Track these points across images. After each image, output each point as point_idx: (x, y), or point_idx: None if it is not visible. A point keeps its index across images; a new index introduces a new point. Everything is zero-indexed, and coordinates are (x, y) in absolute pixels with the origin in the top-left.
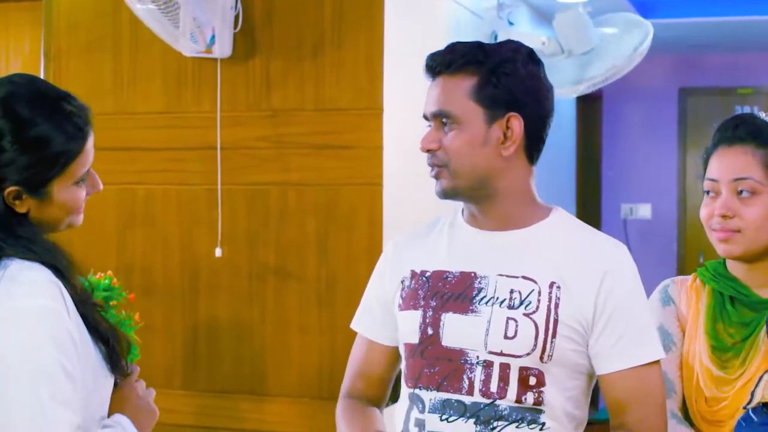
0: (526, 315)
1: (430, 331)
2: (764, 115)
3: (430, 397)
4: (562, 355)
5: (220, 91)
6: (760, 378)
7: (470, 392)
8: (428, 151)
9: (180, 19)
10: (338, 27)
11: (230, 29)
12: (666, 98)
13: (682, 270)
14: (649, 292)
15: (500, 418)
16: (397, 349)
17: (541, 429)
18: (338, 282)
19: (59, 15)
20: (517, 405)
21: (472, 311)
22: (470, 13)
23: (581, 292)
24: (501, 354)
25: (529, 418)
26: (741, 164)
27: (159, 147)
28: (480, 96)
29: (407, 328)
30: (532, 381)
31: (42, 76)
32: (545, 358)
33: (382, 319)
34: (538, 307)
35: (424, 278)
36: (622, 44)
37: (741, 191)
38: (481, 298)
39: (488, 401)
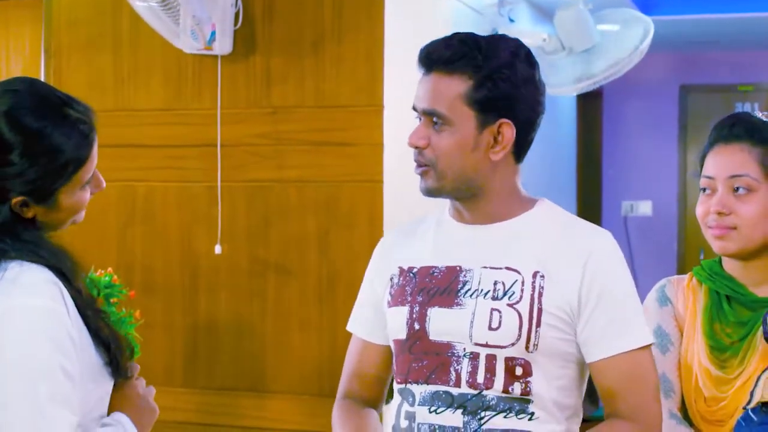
0: (510, 305)
1: (416, 327)
2: (760, 113)
3: (419, 390)
4: (548, 344)
5: (220, 88)
6: (759, 378)
7: (457, 384)
8: (416, 147)
9: (180, 16)
10: (338, 23)
11: (230, 26)
12: (667, 95)
13: (682, 267)
14: (648, 289)
15: (487, 408)
16: (390, 347)
17: (530, 419)
18: (339, 279)
19: (59, 12)
20: (504, 395)
21: (457, 304)
22: (471, 9)
23: (565, 279)
24: (486, 345)
25: (518, 407)
26: (737, 162)
27: (159, 144)
28: (474, 100)
29: (395, 324)
30: (519, 371)
31: (42, 73)
32: (531, 347)
33: (374, 318)
34: (521, 297)
35: (411, 274)
36: (623, 42)
37: (737, 188)
38: (466, 291)
39: (475, 392)
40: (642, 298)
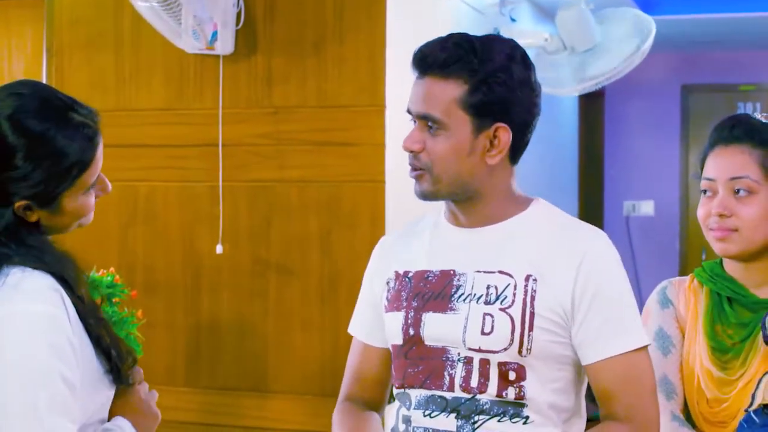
0: (502, 310)
1: (411, 332)
2: (760, 115)
3: (415, 394)
4: (542, 348)
5: (222, 87)
6: (760, 380)
7: (451, 388)
8: (411, 151)
9: (182, 16)
10: (340, 23)
11: (232, 26)
12: (668, 95)
13: (684, 267)
14: (650, 289)
15: (481, 412)
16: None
17: (524, 422)
18: (340, 279)
19: (61, 12)
20: (498, 399)
21: (451, 309)
22: (472, 9)
23: (558, 282)
24: (479, 350)
25: (512, 411)
26: (738, 163)
27: (161, 144)
28: (469, 105)
29: (392, 329)
30: (512, 376)
31: (44, 73)
32: (524, 351)
33: (373, 321)
34: (513, 301)
35: (407, 279)
36: (625, 42)
37: (738, 190)
38: (459, 296)
39: (468, 396)
40: (644, 298)
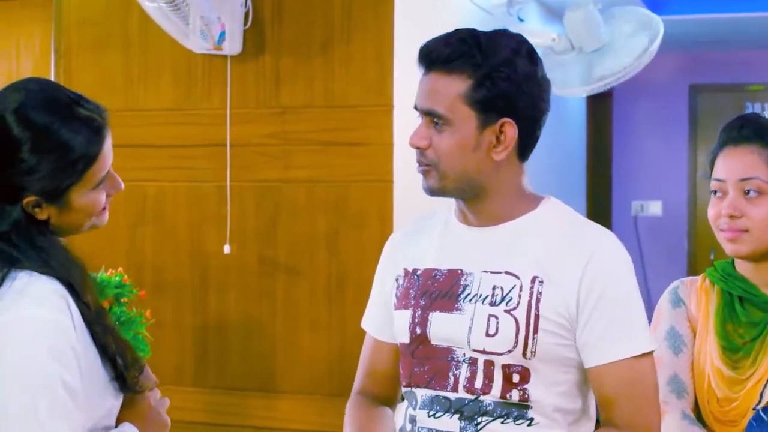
0: (507, 311)
1: (418, 331)
2: None
3: (421, 394)
4: (546, 351)
5: (229, 88)
6: None
7: (455, 389)
8: (417, 148)
9: (190, 17)
10: (348, 23)
11: (240, 26)
12: (676, 95)
13: (692, 266)
14: (659, 289)
15: (484, 413)
16: None
17: (529, 424)
18: (348, 279)
19: (69, 12)
20: (502, 401)
21: (457, 309)
22: (480, 9)
23: (564, 284)
24: (484, 352)
25: (516, 413)
26: (747, 164)
27: (168, 144)
28: (473, 100)
29: (400, 328)
30: (516, 378)
31: (52, 73)
32: (528, 354)
33: (384, 317)
34: (518, 303)
35: (415, 276)
36: (633, 42)
37: (748, 191)
38: (466, 296)
39: (472, 397)
40: (653, 298)
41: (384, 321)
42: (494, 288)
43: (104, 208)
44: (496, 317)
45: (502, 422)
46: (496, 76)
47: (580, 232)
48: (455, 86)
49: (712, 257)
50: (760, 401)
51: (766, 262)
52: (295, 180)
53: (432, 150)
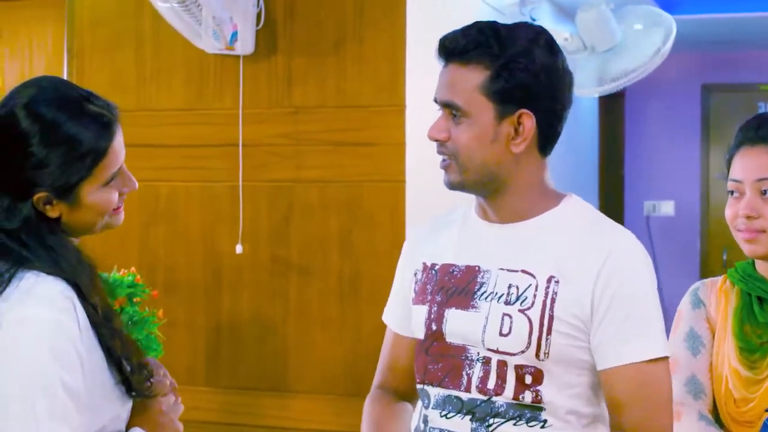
0: (521, 311)
1: (434, 327)
2: None
3: (434, 393)
4: (560, 352)
5: (242, 88)
6: None
7: (468, 389)
8: (436, 140)
9: (202, 17)
10: (360, 23)
11: (252, 26)
12: (689, 95)
13: (705, 267)
14: (671, 289)
15: (497, 415)
16: None
17: (542, 426)
18: (361, 279)
19: (82, 12)
20: (514, 402)
21: (473, 307)
22: (492, 8)
23: (580, 283)
24: (497, 351)
25: (529, 415)
26: (764, 164)
27: (181, 144)
28: (491, 91)
29: (416, 323)
30: (528, 379)
31: (65, 73)
32: (541, 355)
33: (404, 311)
34: (533, 303)
35: (433, 272)
36: (645, 42)
37: (765, 191)
38: (482, 293)
39: (484, 398)
40: (665, 298)
41: (404, 315)
42: (510, 286)
43: (118, 208)
44: (510, 317)
45: (515, 424)
46: (513, 66)
47: (599, 231)
48: (473, 77)
49: (724, 257)
50: None
51: None
52: (308, 180)
53: (451, 142)
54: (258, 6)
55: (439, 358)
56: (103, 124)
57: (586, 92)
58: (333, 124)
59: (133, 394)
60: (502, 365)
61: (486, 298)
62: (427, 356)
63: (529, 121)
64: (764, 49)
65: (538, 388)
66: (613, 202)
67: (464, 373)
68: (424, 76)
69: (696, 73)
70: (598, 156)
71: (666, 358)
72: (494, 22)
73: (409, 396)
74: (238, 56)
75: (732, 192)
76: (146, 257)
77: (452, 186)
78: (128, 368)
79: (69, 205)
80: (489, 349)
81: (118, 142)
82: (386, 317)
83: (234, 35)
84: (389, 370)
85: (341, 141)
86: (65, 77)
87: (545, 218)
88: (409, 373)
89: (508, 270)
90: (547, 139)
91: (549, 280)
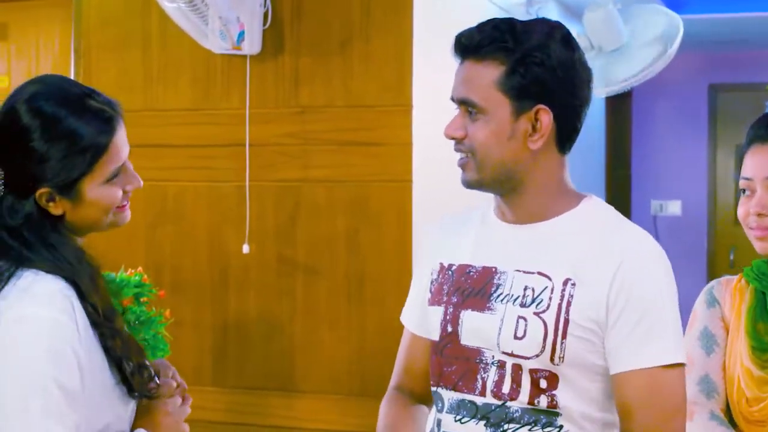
0: (536, 314)
1: (449, 329)
2: None
3: (448, 396)
4: (575, 356)
5: (249, 87)
6: None
7: (482, 393)
8: (452, 138)
9: (209, 17)
10: (366, 23)
11: (259, 26)
12: (696, 95)
13: (712, 266)
14: (678, 289)
15: (511, 420)
16: None
17: None
18: (368, 279)
19: (89, 12)
20: (530, 407)
21: (489, 309)
22: (499, 8)
23: (595, 286)
24: (512, 355)
25: (544, 420)
26: None
27: (188, 144)
28: (507, 87)
29: (432, 324)
30: (543, 384)
31: (72, 73)
32: (556, 359)
33: (421, 311)
34: (548, 306)
35: (450, 272)
36: (652, 41)
37: None
38: (498, 295)
39: (499, 403)
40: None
41: (422, 317)
42: (525, 288)
43: (123, 207)
44: (525, 319)
45: (530, 429)
46: (529, 61)
47: (617, 233)
48: (488, 73)
49: (731, 257)
50: None
51: None
52: (315, 180)
53: (468, 140)
54: (265, 6)
55: (453, 360)
56: (105, 119)
57: (595, 92)
58: (340, 123)
59: (135, 394)
60: (517, 369)
61: (502, 300)
62: (441, 358)
63: (546, 117)
64: None
65: (554, 392)
66: (620, 202)
67: (479, 376)
68: (431, 75)
69: (703, 72)
70: (605, 156)
71: (681, 364)
72: (510, 19)
73: (426, 398)
74: (245, 56)
75: (744, 190)
76: (153, 257)
77: (469, 185)
78: (128, 368)
79: (71, 202)
80: (504, 353)
81: (120, 138)
82: (404, 318)
83: (241, 35)
84: (406, 371)
85: (348, 141)
86: (72, 77)
87: (564, 219)
88: (426, 374)
89: (524, 272)
90: (565, 135)
91: (565, 283)
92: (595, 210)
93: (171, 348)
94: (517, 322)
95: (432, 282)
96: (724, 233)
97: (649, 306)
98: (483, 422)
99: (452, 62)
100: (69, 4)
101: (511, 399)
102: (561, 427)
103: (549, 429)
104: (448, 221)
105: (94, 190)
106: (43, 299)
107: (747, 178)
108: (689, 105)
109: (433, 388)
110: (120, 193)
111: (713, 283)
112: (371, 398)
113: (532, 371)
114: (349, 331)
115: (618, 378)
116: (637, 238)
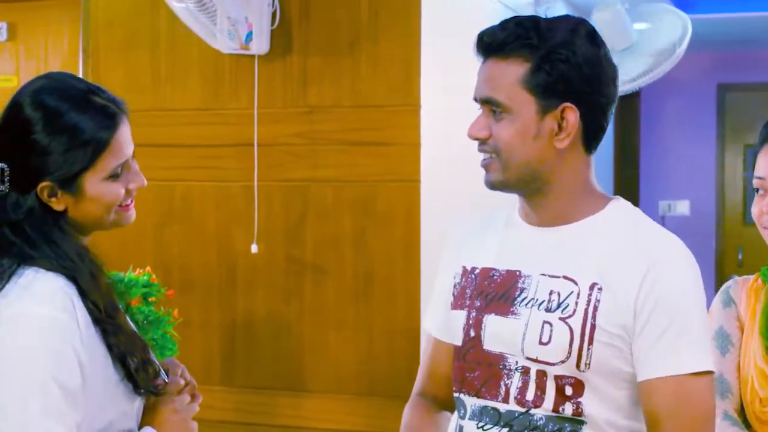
0: (562, 319)
1: (472, 333)
2: None
3: (470, 403)
4: (602, 363)
5: (257, 87)
6: None
7: (506, 400)
8: (476, 139)
9: (217, 17)
10: (375, 23)
11: (267, 26)
12: (704, 94)
13: (720, 266)
14: None
15: (535, 428)
16: None
17: None
18: (375, 278)
19: (98, 12)
20: (554, 415)
21: (513, 313)
22: (507, 8)
23: (623, 292)
24: (537, 361)
25: (569, 428)
26: None
27: (196, 144)
28: (532, 85)
29: (454, 329)
30: (569, 391)
31: (80, 73)
32: (582, 366)
33: (444, 315)
34: (575, 311)
35: (473, 276)
36: (661, 41)
37: None
38: (522, 300)
39: (522, 410)
40: None
41: (444, 321)
42: (551, 293)
43: (127, 206)
44: (551, 324)
45: None
46: (554, 58)
47: (645, 236)
48: (513, 71)
49: (740, 257)
50: None
51: None
52: (323, 179)
53: (492, 140)
54: (273, 6)
55: (476, 366)
56: (108, 115)
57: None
58: (348, 123)
59: (141, 391)
60: (542, 375)
61: (527, 305)
62: (464, 363)
63: (572, 115)
64: None
65: (579, 399)
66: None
67: (502, 383)
68: (438, 76)
69: (712, 72)
70: (613, 156)
71: (710, 372)
72: (533, 16)
73: (450, 404)
74: (253, 56)
75: (757, 189)
76: (161, 257)
77: (493, 186)
78: (133, 364)
79: (73, 197)
80: (528, 358)
81: (123, 135)
82: (427, 322)
83: (249, 35)
84: (429, 376)
85: (356, 141)
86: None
87: (590, 222)
88: (450, 380)
89: (549, 276)
90: (592, 134)
91: (591, 288)
92: (622, 213)
93: (179, 348)
94: (542, 327)
95: (455, 285)
96: (732, 233)
97: (679, 311)
98: (506, 429)
99: (460, 62)
100: (77, 5)
101: (535, 406)
102: None
103: None
104: (471, 223)
105: (96, 185)
106: (43, 297)
107: (760, 177)
108: (698, 105)
109: (456, 394)
110: (122, 190)
111: (730, 282)
112: (379, 398)
113: (557, 378)
114: (357, 330)
115: (646, 385)
116: (666, 242)
